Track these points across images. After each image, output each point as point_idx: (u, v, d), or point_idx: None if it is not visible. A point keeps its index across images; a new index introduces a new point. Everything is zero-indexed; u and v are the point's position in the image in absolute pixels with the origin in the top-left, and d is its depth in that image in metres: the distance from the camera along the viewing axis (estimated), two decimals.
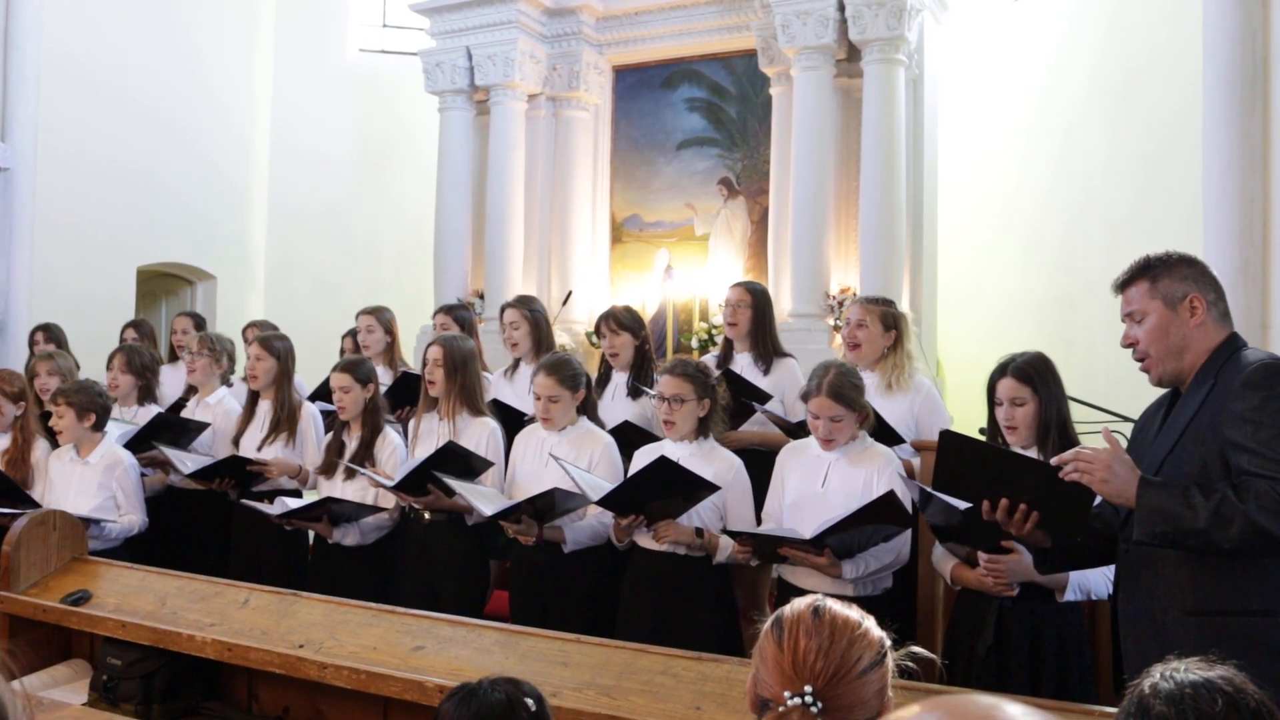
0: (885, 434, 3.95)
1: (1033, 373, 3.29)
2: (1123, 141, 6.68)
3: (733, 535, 3.62)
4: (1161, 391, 2.69)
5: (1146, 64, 6.44)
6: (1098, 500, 2.59)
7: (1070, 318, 7.01)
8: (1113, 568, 3.17)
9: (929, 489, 3.43)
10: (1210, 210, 4.68)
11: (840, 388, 3.52)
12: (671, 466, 3.61)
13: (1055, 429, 3.27)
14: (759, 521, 3.83)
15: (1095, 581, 3.16)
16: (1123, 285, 2.66)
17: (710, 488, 3.61)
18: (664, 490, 3.64)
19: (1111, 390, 5.11)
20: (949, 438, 2.83)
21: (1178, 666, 1.44)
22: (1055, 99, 7.44)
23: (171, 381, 6.16)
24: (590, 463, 4.02)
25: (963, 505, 3.25)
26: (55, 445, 4.84)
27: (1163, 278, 2.57)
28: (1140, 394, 5.19)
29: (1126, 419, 3.88)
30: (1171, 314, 2.55)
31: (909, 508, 3.42)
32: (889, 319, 4.43)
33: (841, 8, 7.09)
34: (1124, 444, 2.59)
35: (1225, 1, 4.63)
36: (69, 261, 8.46)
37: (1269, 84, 4.54)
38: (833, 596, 1.66)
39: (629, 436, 4.38)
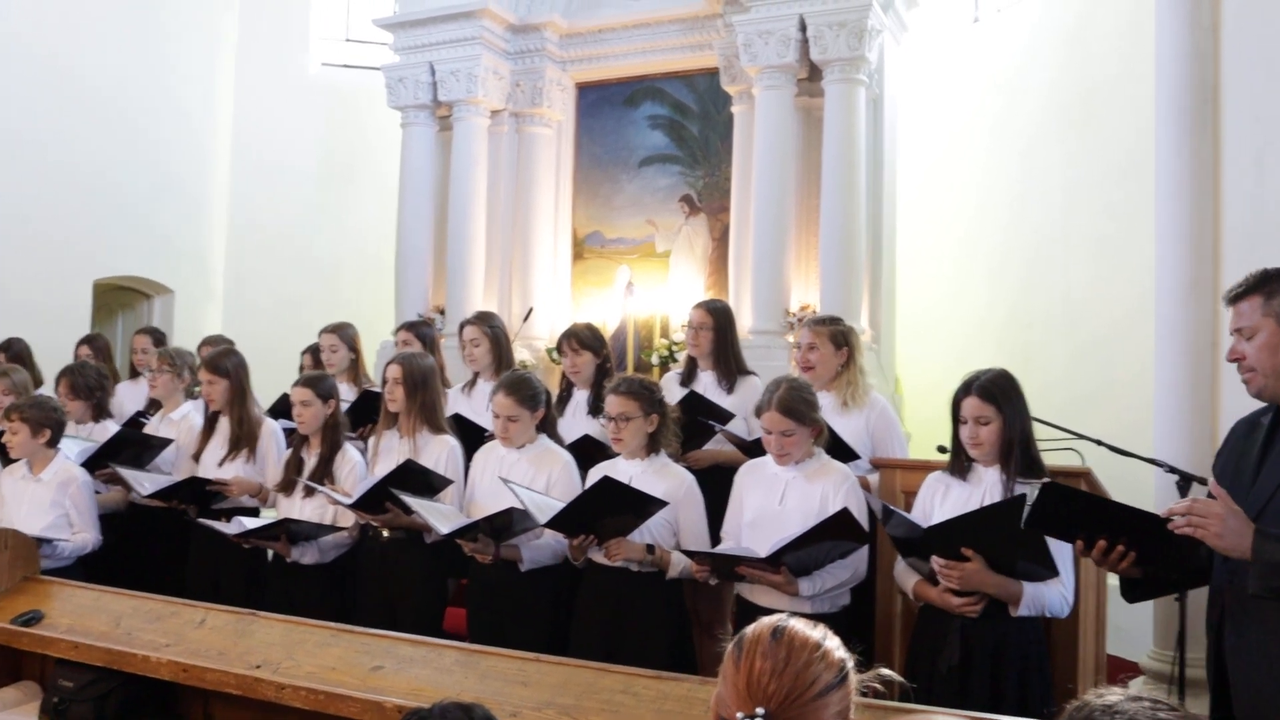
0: (841, 451, 3.98)
1: (997, 391, 3.30)
2: (1078, 162, 6.79)
3: (690, 555, 3.63)
4: (1251, 406, 2.64)
5: (1102, 87, 6.55)
6: None
7: (1028, 336, 7.10)
8: (1070, 588, 3.23)
9: (890, 505, 3.46)
10: (1163, 230, 4.75)
11: (791, 402, 3.55)
12: (616, 485, 3.62)
13: (1018, 447, 3.29)
14: (714, 535, 3.85)
15: (1052, 599, 3.19)
16: (1236, 298, 2.58)
17: (658, 504, 3.63)
18: (612, 508, 3.66)
19: (1068, 407, 5.18)
20: (1052, 489, 2.77)
21: (1119, 706, 1.40)
22: (1013, 120, 7.56)
23: (130, 397, 6.10)
24: (549, 481, 4.02)
25: (924, 524, 3.28)
26: (7, 462, 4.76)
27: (1279, 295, 2.51)
28: (1098, 413, 5.26)
29: (1084, 437, 3.93)
30: None
31: (865, 524, 3.44)
32: (839, 338, 4.46)
33: (803, 28, 7.16)
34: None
35: (1176, 26, 4.72)
36: (24, 274, 8.33)
37: (1219, 107, 4.63)
38: (797, 615, 1.64)
39: (589, 451, 4.39)
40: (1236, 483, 2.55)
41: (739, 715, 1.48)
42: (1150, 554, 2.63)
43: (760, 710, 1.47)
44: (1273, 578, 2.33)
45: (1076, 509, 2.74)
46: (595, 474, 3.93)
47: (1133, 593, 2.86)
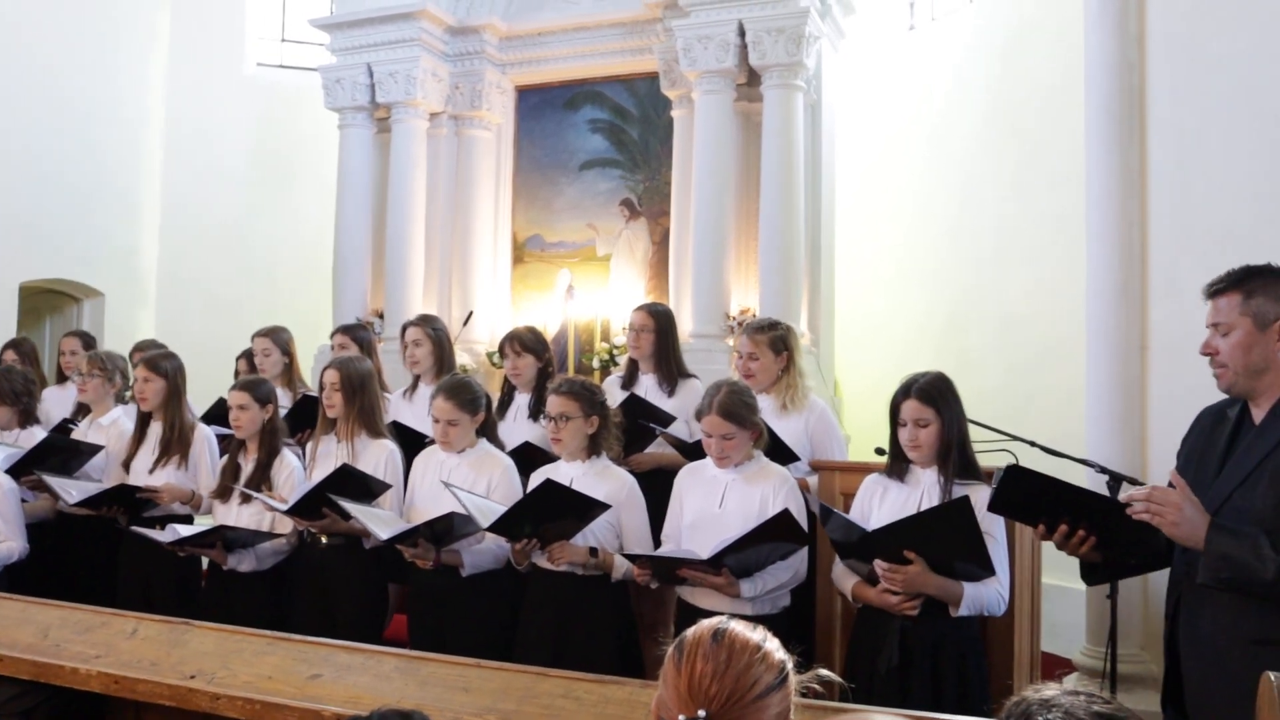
0: (781, 453, 4.00)
1: (936, 394, 3.35)
2: (1016, 170, 6.91)
3: (631, 558, 3.64)
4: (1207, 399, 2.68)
5: (1037, 96, 6.67)
6: None
7: (965, 341, 7.20)
8: (1006, 585, 3.29)
9: (829, 507, 3.49)
10: (1092, 235, 4.86)
11: (731, 406, 3.57)
12: (558, 489, 3.62)
13: (956, 448, 3.34)
14: (656, 536, 3.86)
15: (990, 598, 3.24)
16: (1215, 293, 2.59)
17: (601, 507, 3.63)
18: (555, 512, 3.66)
19: (1005, 413, 5.27)
20: (1014, 471, 2.81)
21: (1055, 700, 1.42)
22: (951, 128, 7.66)
23: (58, 401, 5.95)
24: (489, 485, 4.01)
25: (867, 527, 3.32)
26: None
27: (1257, 294, 2.52)
28: (1033, 418, 5.36)
29: (1018, 438, 4.00)
30: (1259, 334, 2.51)
31: (805, 526, 3.47)
32: (778, 344, 4.48)
33: (742, 33, 7.20)
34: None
35: (1104, 36, 4.83)
36: None
37: (1145, 115, 4.75)
38: (736, 617, 1.66)
39: (529, 457, 4.37)
40: (1200, 473, 2.60)
41: (680, 718, 1.48)
42: (1109, 538, 2.68)
43: (702, 712, 1.48)
44: (1221, 569, 2.40)
45: (1039, 493, 2.78)
46: (537, 477, 3.92)
47: (1092, 576, 2.92)
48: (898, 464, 3.46)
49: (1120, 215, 4.73)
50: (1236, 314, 2.53)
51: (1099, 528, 2.67)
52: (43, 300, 9.58)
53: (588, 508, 3.63)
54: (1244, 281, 2.54)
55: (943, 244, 7.66)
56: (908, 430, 3.37)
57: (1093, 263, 4.85)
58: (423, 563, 3.88)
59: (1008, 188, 6.97)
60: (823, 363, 7.38)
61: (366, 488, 4.07)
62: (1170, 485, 2.54)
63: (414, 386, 5.33)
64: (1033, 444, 4.02)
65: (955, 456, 3.33)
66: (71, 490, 4.62)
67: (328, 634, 3.54)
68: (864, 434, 5.94)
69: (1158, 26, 4.70)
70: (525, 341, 5.00)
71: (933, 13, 8.16)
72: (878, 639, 3.31)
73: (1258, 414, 2.57)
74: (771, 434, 3.88)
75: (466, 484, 3.94)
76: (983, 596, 3.23)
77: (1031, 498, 2.79)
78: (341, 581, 4.22)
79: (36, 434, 5.14)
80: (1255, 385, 2.55)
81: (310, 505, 4.05)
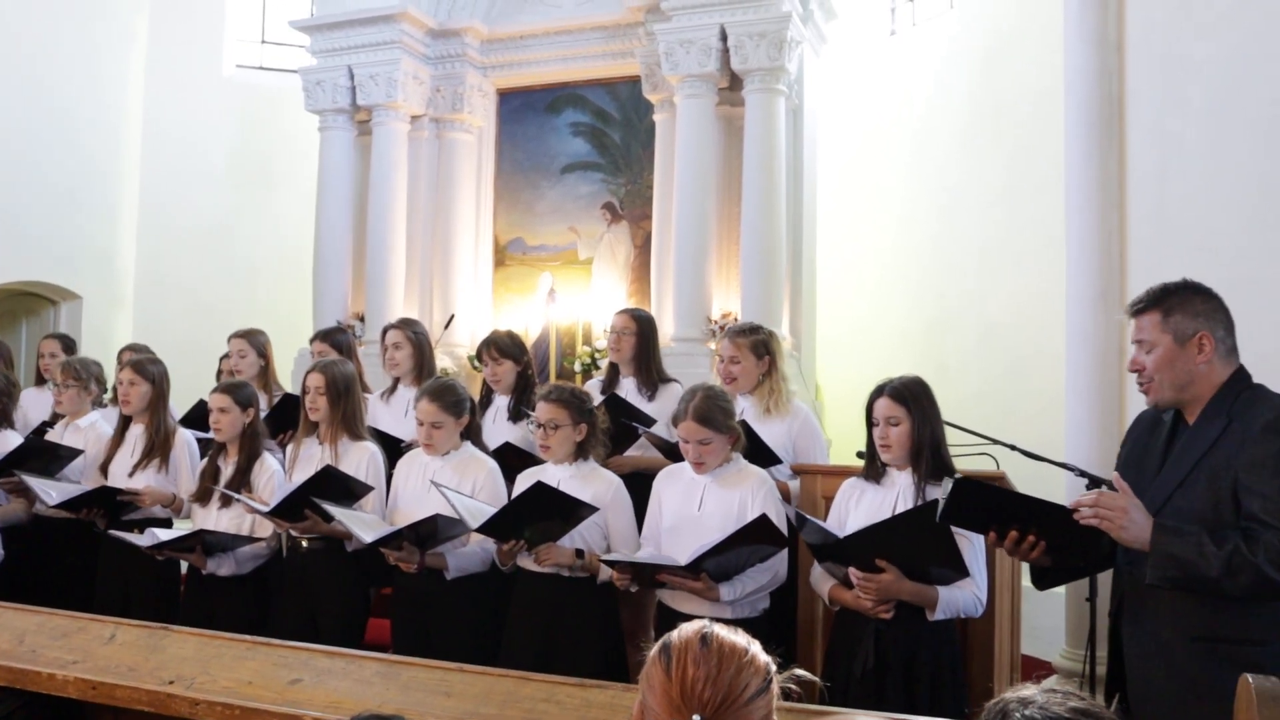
0: (763, 456, 4.01)
1: (908, 394, 3.38)
2: (998, 177, 6.94)
3: (610, 564, 3.64)
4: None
5: (1019, 102, 6.71)
6: None
7: (945, 347, 7.24)
8: (983, 588, 3.31)
9: (804, 513, 3.51)
10: (1072, 242, 4.88)
11: (707, 411, 3.58)
12: (548, 490, 3.63)
13: (929, 449, 3.36)
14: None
15: (965, 601, 3.27)
16: (1137, 312, 2.71)
17: (589, 509, 3.64)
18: (543, 513, 3.66)
19: (985, 417, 5.30)
20: (964, 484, 2.85)
21: (1031, 697, 1.44)
22: (933, 134, 7.70)
23: (36, 404, 5.90)
24: (473, 488, 4.00)
25: (841, 533, 3.34)
26: None
27: (1175, 312, 2.63)
28: (1014, 422, 5.39)
29: (998, 442, 4.02)
30: (1179, 349, 2.61)
31: (784, 528, 3.48)
32: (760, 348, 4.50)
33: (724, 37, 7.22)
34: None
35: (1083, 43, 4.85)
36: None
37: (1124, 123, 4.78)
38: (718, 621, 1.66)
39: (510, 459, 4.37)
40: (1140, 475, 2.69)
41: None
42: (1058, 543, 2.74)
43: (696, 717, 1.48)
44: (1168, 568, 2.47)
45: (988, 502, 2.83)
46: (525, 479, 3.92)
47: (1042, 580, 2.97)
48: (873, 466, 3.49)
49: (1100, 223, 4.76)
50: (1158, 331, 2.64)
51: (1048, 533, 2.73)
52: (18, 303, 9.49)
53: (575, 510, 3.63)
54: (1162, 300, 2.66)
55: (925, 249, 7.69)
56: (879, 429, 3.42)
57: (1072, 270, 4.88)
58: (407, 566, 3.87)
59: (990, 193, 7.01)
60: (804, 367, 7.41)
61: (349, 490, 4.06)
62: (1112, 489, 2.63)
63: (393, 389, 5.32)
64: (1013, 448, 4.04)
65: (928, 458, 3.35)
66: (51, 492, 4.58)
67: (308, 638, 3.52)
68: (845, 438, 5.95)
69: (1137, 33, 4.73)
70: (503, 347, 5.00)
71: (914, 18, 8.21)
72: (854, 642, 3.33)
73: (1191, 418, 2.68)
74: (753, 436, 3.89)
75: (449, 486, 3.93)
76: (958, 600, 3.25)
77: (982, 508, 2.83)
78: (322, 585, 4.20)
79: (9, 436, 5.09)
80: (1182, 397, 2.65)
81: (292, 507, 4.03)
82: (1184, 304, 2.64)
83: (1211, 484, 2.54)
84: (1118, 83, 4.79)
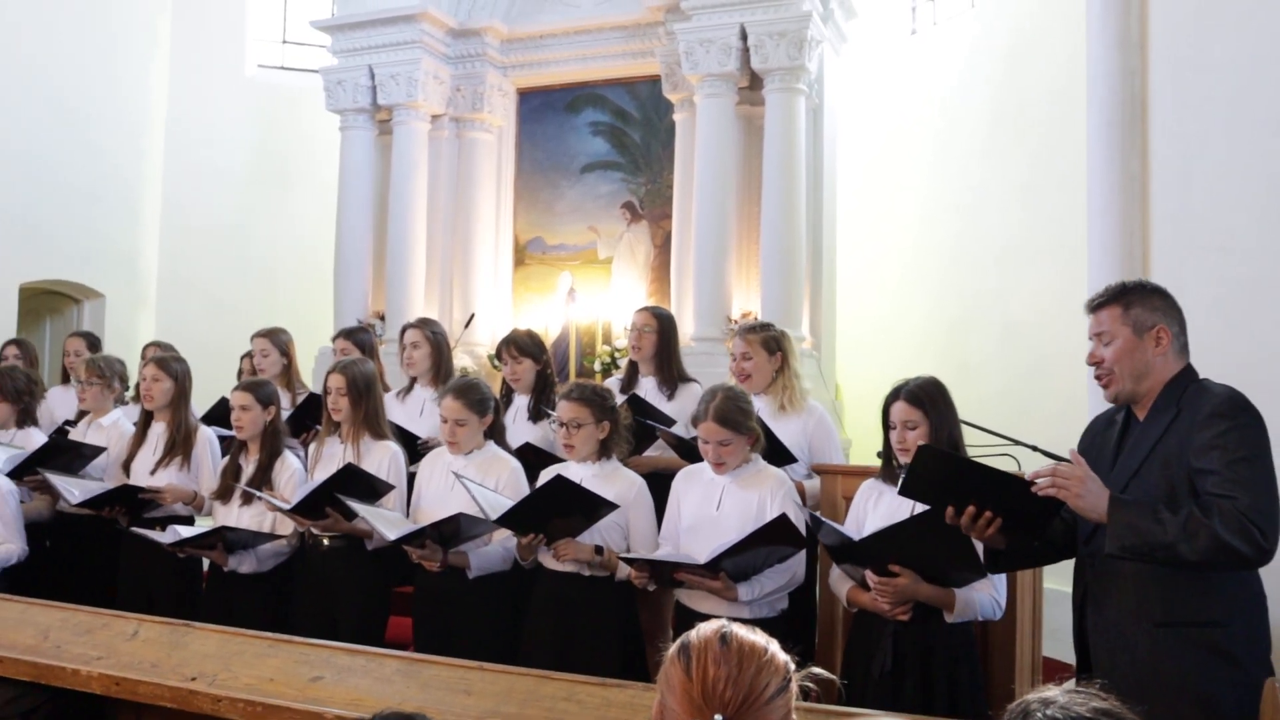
0: (779, 454, 4.00)
1: (924, 397, 3.38)
2: (1020, 177, 6.91)
3: (629, 561, 3.64)
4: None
5: (1040, 101, 6.67)
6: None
7: (967, 347, 7.20)
8: (1001, 591, 3.30)
9: (818, 515, 3.50)
10: (1094, 241, 4.85)
11: (727, 412, 3.57)
12: (568, 485, 3.63)
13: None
14: None
15: (983, 603, 3.26)
16: (1096, 307, 2.80)
17: (609, 505, 3.63)
18: (563, 509, 3.66)
19: (1007, 418, 5.27)
20: (927, 450, 2.93)
21: (1053, 698, 1.44)
22: (955, 134, 7.67)
23: (62, 402, 5.96)
24: (496, 487, 4.00)
25: (856, 536, 3.33)
26: None
27: (1135, 305, 2.73)
28: (1035, 423, 5.36)
29: (1018, 442, 3.99)
30: (1138, 341, 2.71)
31: (803, 529, 3.47)
32: (771, 344, 4.50)
33: (744, 36, 7.22)
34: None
35: (1106, 43, 4.82)
36: None
37: (1147, 123, 4.74)
38: (735, 620, 1.66)
39: (531, 459, 4.38)
40: (1096, 470, 2.71)
41: None
42: (1014, 521, 2.77)
43: (718, 717, 1.48)
44: (1126, 536, 2.52)
45: (949, 473, 2.86)
46: (547, 475, 3.92)
47: (995, 564, 3.03)
48: (890, 468, 3.48)
49: (1122, 223, 4.73)
50: (1117, 324, 2.74)
51: (1005, 510, 2.76)
52: (42, 301, 9.57)
53: (596, 506, 3.64)
54: (1122, 295, 2.76)
55: (947, 248, 7.66)
56: (896, 433, 3.41)
57: (1094, 270, 4.84)
58: (429, 564, 3.88)
59: (1012, 192, 6.98)
60: (824, 366, 7.39)
61: (370, 488, 4.07)
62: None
63: (409, 388, 5.33)
64: (1034, 448, 4.01)
65: None
66: (74, 490, 4.61)
67: (328, 636, 3.53)
68: (865, 438, 5.93)
69: (1160, 33, 4.69)
70: (522, 345, 5.00)
71: (935, 17, 8.17)
72: (871, 643, 3.33)
73: (1141, 414, 2.76)
74: (770, 435, 3.88)
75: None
76: (975, 602, 3.24)
77: (944, 480, 2.86)
78: (344, 583, 4.21)
79: (33, 434, 5.13)
80: (1138, 390, 2.74)
81: (313, 505, 4.05)
82: (1143, 299, 2.74)
83: (1164, 471, 2.62)
84: (1140, 82, 4.75)
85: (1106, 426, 2.90)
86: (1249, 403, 2.61)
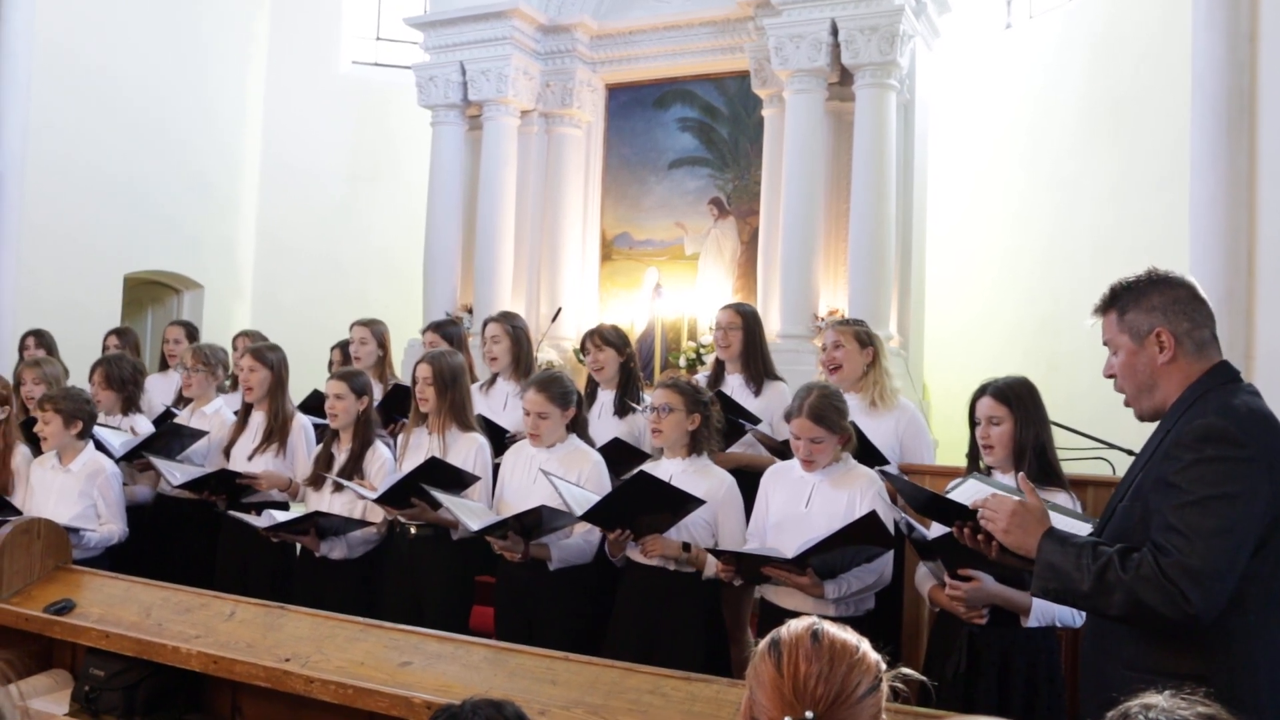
0: (869, 454, 3.96)
1: (1011, 394, 3.32)
2: (1114, 173, 6.74)
3: (716, 554, 3.63)
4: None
5: (1134, 95, 6.50)
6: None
7: (1055, 345, 7.05)
8: None
9: (909, 515, 3.46)
10: (1196, 240, 4.72)
11: (822, 409, 3.55)
12: (652, 481, 3.63)
13: (1032, 451, 3.27)
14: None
15: (1060, 609, 3.16)
16: (1097, 314, 2.52)
17: (695, 501, 3.63)
18: (649, 505, 3.66)
19: (1096, 418, 5.15)
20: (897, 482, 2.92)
21: (1156, 702, 1.40)
22: (1049, 129, 7.51)
23: (160, 389, 6.14)
24: (579, 480, 4.02)
25: (930, 534, 3.29)
26: (37, 452, 4.80)
27: (1130, 309, 2.40)
28: (1125, 424, 5.23)
29: (1110, 445, 3.91)
30: (1138, 348, 2.38)
31: (891, 529, 3.43)
32: (863, 337, 4.48)
33: (835, 32, 7.15)
34: None
35: (1212, 35, 4.68)
36: (55, 267, 8.44)
37: (1256, 117, 4.59)
38: (822, 618, 1.65)
39: (618, 454, 4.39)
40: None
41: (785, 719, 1.48)
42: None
43: (809, 714, 1.47)
44: (1048, 579, 2.28)
45: (925, 503, 2.85)
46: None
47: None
48: (975, 466, 3.43)
49: (1227, 221, 4.59)
50: (1115, 332, 2.42)
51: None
52: (145, 291, 9.91)
53: (682, 502, 3.63)
54: (1116, 299, 2.44)
55: (1040, 245, 7.50)
56: (981, 429, 3.37)
57: (1196, 270, 4.71)
58: (511, 555, 3.92)
59: (1107, 189, 6.81)
60: (911, 366, 7.29)
61: (456, 479, 4.12)
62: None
63: (492, 381, 5.38)
64: (1130, 453, 3.93)
65: (1032, 460, 3.27)
66: (176, 473, 4.76)
67: (414, 622, 3.58)
68: (952, 438, 5.84)
69: (1272, 24, 4.54)
70: (606, 336, 5.02)
71: (1030, 10, 8.00)
72: (949, 644, 3.29)
73: None
74: (861, 437, 3.84)
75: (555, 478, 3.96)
76: (1053, 608, 3.15)
77: (932, 510, 2.82)
78: (429, 572, 4.27)
79: (138, 421, 5.30)
80: (1155, 404, 2.39)
81: (399, 494, 4.11)
82: (1138, 299, 2.39)
83: (1139, 500, 2.30)
84: (1249, 75, 4.60)
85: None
86: (1232, 432, 2.18)
